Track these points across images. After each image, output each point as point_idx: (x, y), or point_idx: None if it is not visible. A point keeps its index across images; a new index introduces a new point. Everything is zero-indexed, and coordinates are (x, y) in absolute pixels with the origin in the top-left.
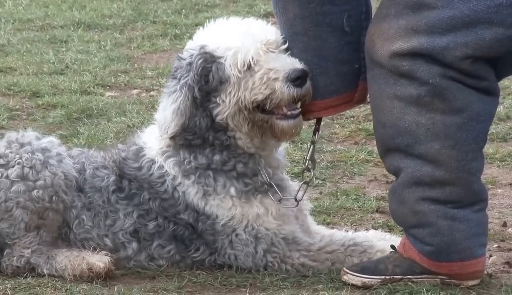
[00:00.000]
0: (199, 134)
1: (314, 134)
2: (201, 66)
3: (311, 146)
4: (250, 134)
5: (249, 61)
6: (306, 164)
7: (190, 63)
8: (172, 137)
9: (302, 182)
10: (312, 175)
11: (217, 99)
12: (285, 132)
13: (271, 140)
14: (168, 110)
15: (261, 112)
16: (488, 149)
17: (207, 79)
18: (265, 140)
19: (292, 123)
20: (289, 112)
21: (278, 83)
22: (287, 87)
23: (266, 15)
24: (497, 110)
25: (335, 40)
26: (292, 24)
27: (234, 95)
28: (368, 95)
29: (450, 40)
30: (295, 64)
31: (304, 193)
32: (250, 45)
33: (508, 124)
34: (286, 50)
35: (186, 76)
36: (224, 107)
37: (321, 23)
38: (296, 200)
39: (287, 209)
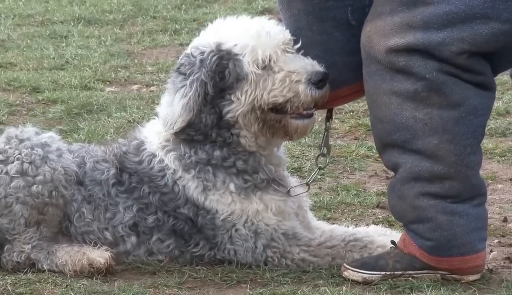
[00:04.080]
0: (203, 130)
1: (328, 120)
2: (215, 62)
3: (325, 133)
4: (258, 134)
5: (269, 59)
6: (322, 150)
7: (202, 60)
8: (176, 133)
9: (317, 169)
10: (327, 161)
11: (232, 96)
12: (299, 131)
13: (281, 139)
14: (176, 105)
15: (275, 112)
16: (488, 144)
17: (223, 75)
18: (270, 140)
19: (307, 122)
20: (304, 112)
21: (301, 86)
22: (309, 89)
23: (263, 12)
24: (496, 105)
25: (340, 33)
26: (296, 19)
27: (250, 94)
28: None
29: (446, 35)
30: (316, 66)
31: (313, 175)
32: (268, 43)
33: (507, 119)
34: (298, 50)
35: (198, 72)
36: (238, 105)
37: (325, 18)
38: (307, 184)
39: (287, 205)
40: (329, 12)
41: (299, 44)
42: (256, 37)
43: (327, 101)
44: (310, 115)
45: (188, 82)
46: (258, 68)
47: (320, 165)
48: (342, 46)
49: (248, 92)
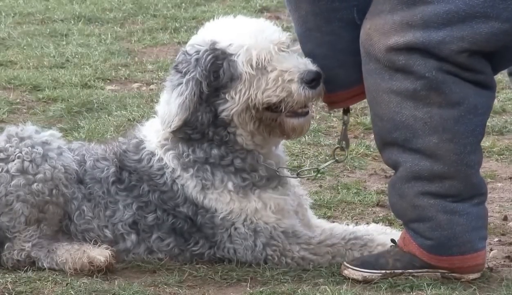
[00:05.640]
0: (200, 129)
1: (345, 114)
2: (210, 61)
3: (343, 127)
4: (254, 132)
5: (263, 60)
6: (340, 144)
7: (198, 59)
8: (173, 131)
9: (333, 160)
10: (346, 154)
11: (226, 95)
12: (295, 130)
13: (278, 138)
14: (173, 104)
15: (271, 112)
16: (485, 142)
17: (217, 75)
18: (267, 139)
19: (303, 121)
20: (299, 110)
21: (294, 85)
22: (302, 89)
23: (261, 10)
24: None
25: (348, 34)
26: (305, 20)
27: (244, 93)
28: None
29: (446, 34)
30: (308, 65)
31: (328, 164)
32: (263, 43)
33: (503, 117)
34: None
35: (193, 71)
36: (233, 104)
37: (333, 19)
38: (318, 170)
39: (286, 203)
40: (336, 13)
41: (298, 45)
42: (251, 38)
43: (343, 100)
44: (305, 114)
45: (184, 80)
46: (252, 68)
47: (337, 158)
48: (350, 45)
49: (242, 92)
